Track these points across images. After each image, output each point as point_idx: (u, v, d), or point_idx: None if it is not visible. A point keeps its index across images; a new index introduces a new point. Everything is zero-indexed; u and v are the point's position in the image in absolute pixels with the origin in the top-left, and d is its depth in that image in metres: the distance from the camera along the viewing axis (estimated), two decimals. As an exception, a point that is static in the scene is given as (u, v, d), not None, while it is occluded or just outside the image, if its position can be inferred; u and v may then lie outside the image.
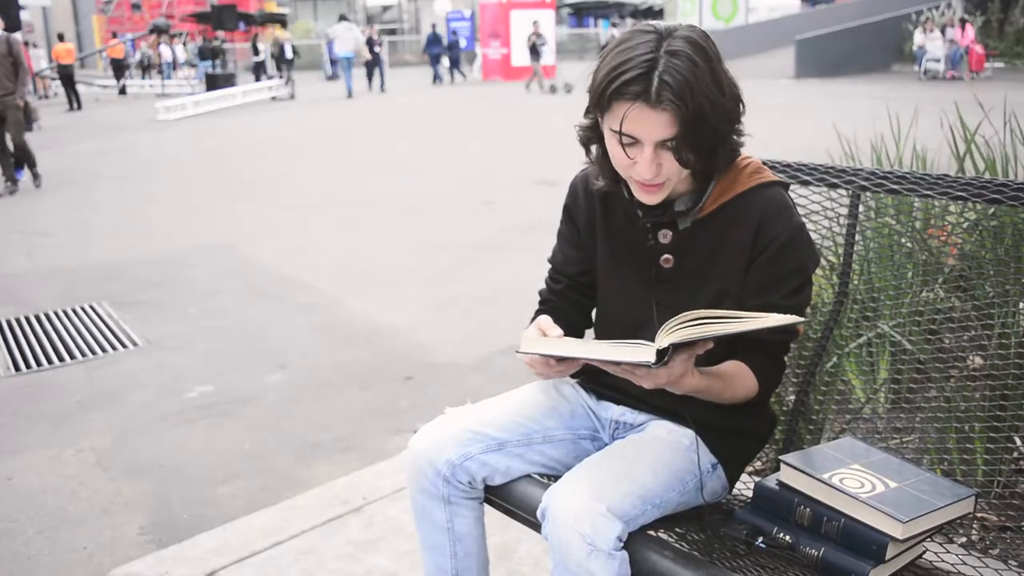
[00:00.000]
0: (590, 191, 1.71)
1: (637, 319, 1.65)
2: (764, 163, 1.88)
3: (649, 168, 1.46)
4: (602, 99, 1.44)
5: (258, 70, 26.54)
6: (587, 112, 1.55)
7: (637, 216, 1.63)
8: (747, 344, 1.60)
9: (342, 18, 26.87)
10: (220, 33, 26.62)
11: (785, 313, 1.56)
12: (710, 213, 1.59)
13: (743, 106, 1.51)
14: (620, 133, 1.45)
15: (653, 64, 1.39)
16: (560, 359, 1.50)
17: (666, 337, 1.31)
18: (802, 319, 1.35)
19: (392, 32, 41.56)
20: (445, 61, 27.54)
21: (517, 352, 1.47)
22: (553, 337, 1.51)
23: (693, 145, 1.44)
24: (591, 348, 1.43)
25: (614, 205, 1.68)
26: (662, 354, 1.32)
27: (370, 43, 24.38)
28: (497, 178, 9.65)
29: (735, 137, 1.54)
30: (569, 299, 1.78)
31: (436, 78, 26.46)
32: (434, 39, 27.00)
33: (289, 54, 25.73)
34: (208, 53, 27.19)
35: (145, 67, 30.38)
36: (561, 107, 14.96)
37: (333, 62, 30.24)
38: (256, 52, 26.21)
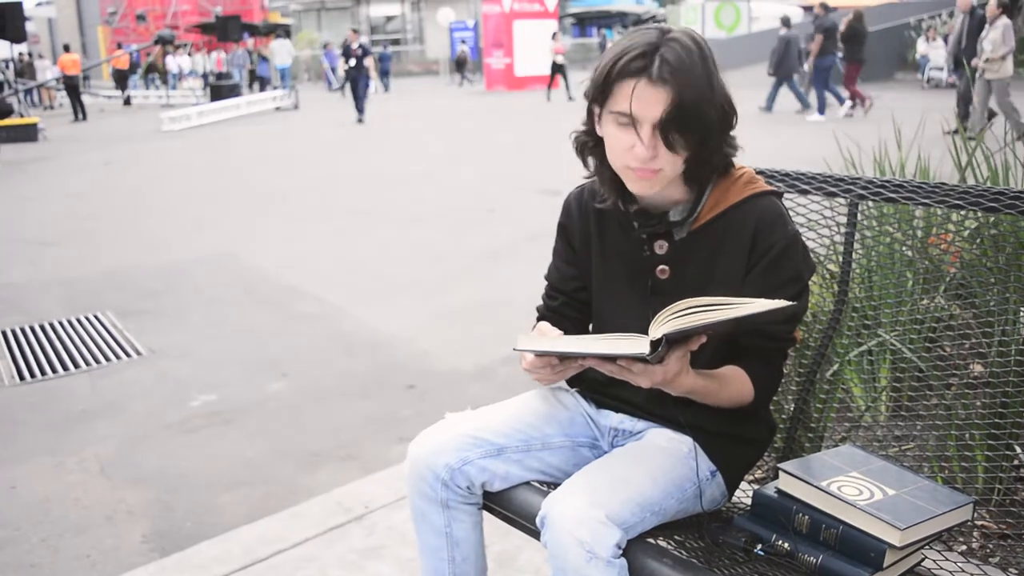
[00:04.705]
0: (584, 207, 1.73)
1: (634, 331, 1.65)
2: (762, 172, 1.89)
3: (648, 147, 1.48)
4: (606, 82, 1.49)
5: (258, 82, 26.76)
6: (588, 108, 1.59)
7: (632, 228, 1.65)
8: (744, 350, 1.61)
9: (276, 36, 28.00)
10: (156, 49, 26.95)
11: (784, 320, 1.58)
12: (705, 223, 1.60)
13: (736, 116, 1.54)
14: (621, 114, 1.48)
15: (656, 46, 1.46)
16: (561, 359, 1.52)
17: (659, 328, 1.33)
18: (791, 303, 1.36)
19: (396, 42, 41.66)
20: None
21: (514, 349, 1.48)
22: (550, 335, 1.53)
23: (685, 126, 1.47)
24: (586, 343, 1.45)
25: (609, 218, 1.69)
26: (655, 345, 1.33)
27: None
28: (499, 187, 9.67)
29: (728, 143, 1.56)
30: (566, 315, 1.79)
31: (360, 111, 18.50)
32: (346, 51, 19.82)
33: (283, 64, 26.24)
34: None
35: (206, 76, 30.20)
36: (564, 117, 14.99)
37: (332, 69, 30.70)
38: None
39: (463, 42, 33.68)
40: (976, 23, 11.45)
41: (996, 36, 10.68)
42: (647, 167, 1.50)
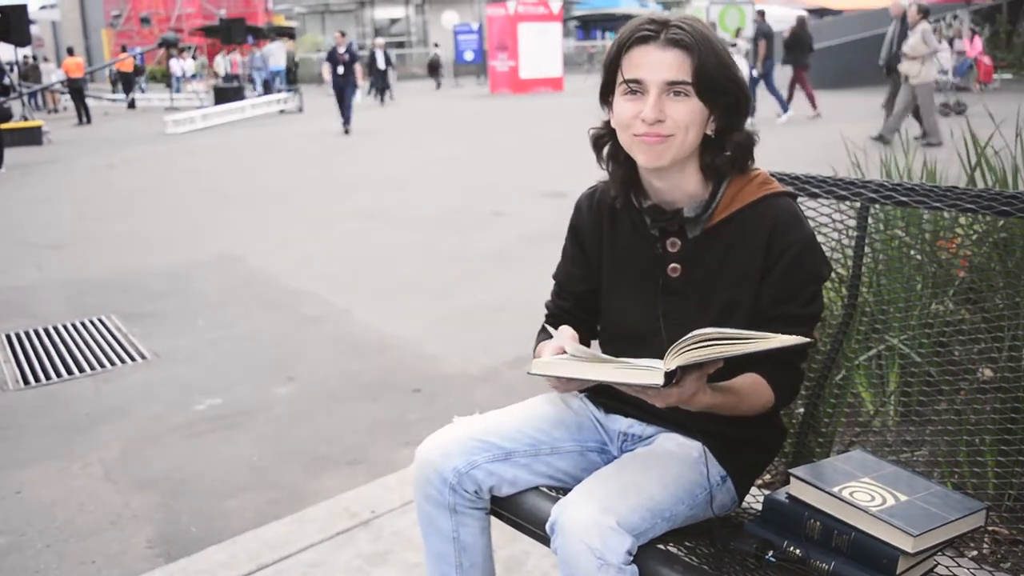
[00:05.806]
0: (595, 206, 1.72)
1: (644, 331, 1.65)
2: (772, 175, 1.88)
3: (653, 108, 1.49)
4: (617, 55, 1.53)
5: (268, 84, 26.82)
6: (601, 96, 1.60)
7: (645, 225, 1.64)
8: (761, 354, 1.59)
9: (274, 38, 28.51)
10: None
11: (803, 320, 1.57)
12: (719, 222, 1.60)
13: (748, 102, 1.56)
14: (629, 82, 1.51)
15: (666, 19, 1.50)
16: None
17: (674, 359, 1.31)
18: (808, 339, 1.36)
19: (400, 45, 41.66)
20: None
21: (529, 373, 1.47)
22: (563, 359, 1.49)
23: (693, 87, 1.49)
24: (600, 370, 1.42)
25: (622, 217, 1.69)
26: (670, 376, 1.32)
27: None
28: (505, 190, 9.66)
29: (743, 132, 1.57)
30: (573, 315, 1.79)
31: (346, 121, 16.63)
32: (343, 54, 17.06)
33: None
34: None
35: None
36: (569, 120, 14.99)
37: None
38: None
39: (436, 44, 34.84)
40: (907, 29, 11.56)
41: (916, 41, 10.86)
42: (654, 130, 1.50)
